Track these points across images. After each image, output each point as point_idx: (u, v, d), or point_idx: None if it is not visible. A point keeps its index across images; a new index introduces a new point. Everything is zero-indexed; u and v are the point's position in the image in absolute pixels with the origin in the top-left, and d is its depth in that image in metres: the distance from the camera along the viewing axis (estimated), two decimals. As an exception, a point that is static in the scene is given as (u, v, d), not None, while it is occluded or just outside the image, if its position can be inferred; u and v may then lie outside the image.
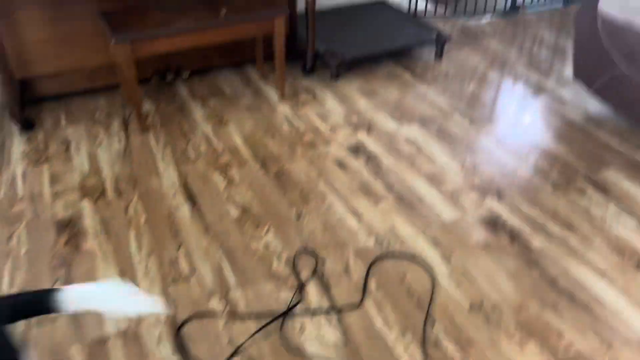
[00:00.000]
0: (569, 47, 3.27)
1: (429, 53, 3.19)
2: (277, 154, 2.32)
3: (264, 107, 2.66)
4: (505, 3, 3.72)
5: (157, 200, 2.05)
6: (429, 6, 3.82)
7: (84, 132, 2.47)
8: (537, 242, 1.86)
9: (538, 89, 2.81)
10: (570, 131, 2.47)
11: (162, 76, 2.80)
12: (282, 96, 2.73)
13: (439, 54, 3.13)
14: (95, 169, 2.23)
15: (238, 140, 2.41)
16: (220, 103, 2.69)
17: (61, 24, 2.51)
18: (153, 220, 1.96)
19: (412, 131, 2.47)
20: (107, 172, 2.20)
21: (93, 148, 2.36)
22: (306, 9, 2.74)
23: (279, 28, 2.51)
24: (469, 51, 3.22)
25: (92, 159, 2.29)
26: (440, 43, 3.08)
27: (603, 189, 2.11)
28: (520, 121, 2.54)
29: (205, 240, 1.87)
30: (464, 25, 3.57)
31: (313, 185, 2.14)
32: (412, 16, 3.31)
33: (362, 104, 2.69)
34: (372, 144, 2.39)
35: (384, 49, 2.95)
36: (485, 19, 3.66)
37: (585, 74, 2.56)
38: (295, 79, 2.93)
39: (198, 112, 2.62)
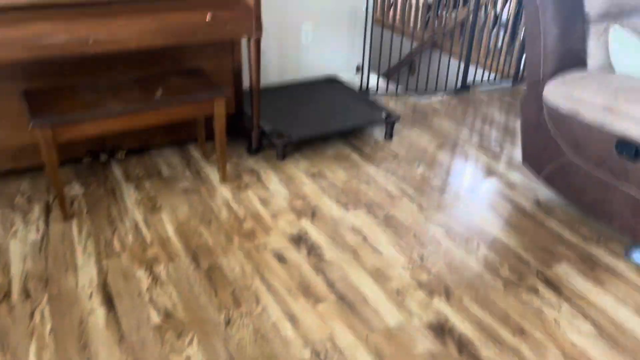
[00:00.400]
0: (519, 128, 3.26)
1: (379, 132, 3.12)
2: (212, 245, 2.14)
3: (203, 190, 2.50)
4: (456, 81, 3.73)
5: (69, 304, 1.83)
6: (380, 82, 3.81)
7: (-1, 218, 2.25)
8: (487, 351, 1.71)
9: (488, 173, 2.75)
10: (521, 220, 2.38)
11: (96, 156, 2.62)
12: (224, 178, 2.58)
13: (389, 134, 3.06)
14: (3, 264, 1.99)
15: (170, 229, 2.23)
16: (156, 185, 2.52)
17: (-19, 102, 2.33)
18: (60, 329, 1.73)
19: (358, 218, 2.34)
20: (17, 269, 1.97)
21: (5, 239, 2.13)
22: (251, 87, 2.64)
23: (219, 110, 2.39)
24: (420, 131, 3.16)
25: (2, 252, 2.06)
26: (390, 123, 3.01)
27: (556, 287, 1.99)
28: (470, 208, 2.45)
29: (117, 353, 1.65)
30: (415, 103, 3.55)
31: (248, 282, 1.95)
32: (362, 94, 3.26)
33: (308, 187, 2.56)
34: (315, 233, 2.24)
35: (333, 129, 2.86)
36: (437, 97, 3.65)
37: (533, 160, 2.51)
38: (240, 158, 2.80)
39: (131, 196, 2.43)
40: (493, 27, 4.57)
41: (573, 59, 2.33)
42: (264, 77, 3.34)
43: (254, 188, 2.54)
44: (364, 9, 3.44)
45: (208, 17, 2.36)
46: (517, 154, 2.94)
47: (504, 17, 4.50)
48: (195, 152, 2.83)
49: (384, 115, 3.02)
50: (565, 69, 2.32)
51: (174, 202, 2.41)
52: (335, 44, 3.48)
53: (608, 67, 2.32)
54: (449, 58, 3.87)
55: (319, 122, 2.91)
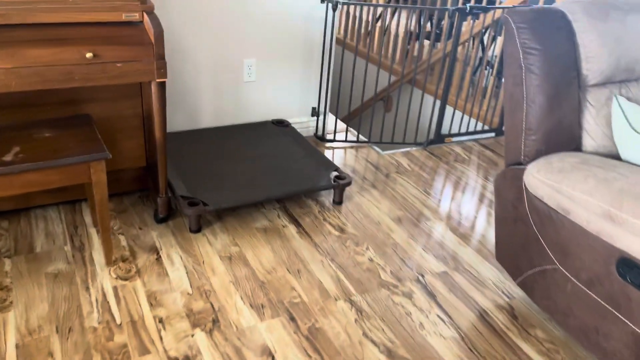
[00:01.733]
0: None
1: (326, 194, 2.55)
2: (59, 373, 1.55)
3: (79, 277, 1.91)
4: (429, 131, 3.18)
5: None
6: (341, 126, 3.24)
7: None
8: None
9: (454, 263, 2.18)
10: (490, 340, 1.81)
11: (-51, 220, 2.03)
12: (109, 262, 1.99)
13: (338, 199, 2.49)
14: None
15: (12, 340, 1.64)
16: (19, 267, 1.93)
17: None
18: None
19: (273, 331, 1.76)
20: None
21: None
22: (161, 137, 2.07)
23: (98, 177, 1.81)
24: (377, 196, 2.59)
25: None
26: (340, 187, 2.44)
27: None
28: (424, 317, 1.87)
29: None
30: (377, 157, 2.98)
31: None
32: (310, 147, 2.69)
33: (219, 277, 1.98)
34: (209, 355, 1.65)
35: (265, 196, 2.29)
36: (404, 150, 3.09)
37: (509, 260, 1.94)
38: (144, 226, 2.22)
39: (-22, 283, 1.84)
40: (478, 66, 4.04)
41: (564, 135, 1.78)
42: (193, 120, 2.77)
43: (147, 275, 1.96)
44: (321, 40, 2.89)
45: (89, 55, 1.79)
46: (492, 238, 2.38)
47: (490, 54, 3.96)
48: (87, 216, 2.25)
49: (332, 177, 2.45)
50: (553, 148, 1.77)
51: (34, 295, 1.82)
52: (285, 82, 2.92)
53: (610, 148, 1.77)
54: (423, 96, 3.30)
55: (250, 185, 2.33)
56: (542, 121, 1.73)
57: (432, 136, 3.17)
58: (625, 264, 1.48)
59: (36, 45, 1.74)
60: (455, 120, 3.32)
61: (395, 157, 3.00)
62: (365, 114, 3.96)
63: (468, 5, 2.80)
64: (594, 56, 1.74)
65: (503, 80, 2.01)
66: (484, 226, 2.44)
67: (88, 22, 1.88)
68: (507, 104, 1.86)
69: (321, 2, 2.78)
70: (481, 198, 2.67)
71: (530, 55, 1.70)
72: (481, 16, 3.57)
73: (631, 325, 1.51)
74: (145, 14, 1.94)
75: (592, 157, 1.69)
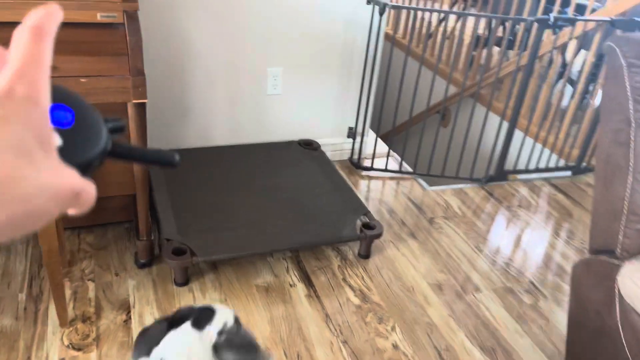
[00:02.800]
0: (570, 261, 2.13)
1: (351, 244, 2.07)
2: None
3: (23, 339, 1.53)
4: (490, 163, 2.62)
5: None
6: (379, 148, 2.73)
7: None
8: None
9: (509, 354, 1.65)
10: None
11: None
12: (64, 322, 1.60)
13: (364, 253, 2.00)
14: None
15: None
16: (-42, 319, 1.58)
17: None
18: None
19: None
20: None
21: None
22: (140, 176, 1.65)
23: (48, 242, 1.41)
24: (415, 249, 2.09)
25: None
26: (368, 238, 1.96)
27: None
28: None
29: None
30: (422, 195, 2.47)
31: None
32: (341, 173, 2.21)
33: (198, 352, 1.55)
34: None
35: (270, 247, 1.84)
36: (456, 186, 2.55)
37: (584, 382, 1.41)
38: (121, 272, 1.82)
39: None
40: (557, 82, 3.41)
41: (687, 225, 1.21)
42: (204, 136, 2.35)
43: (108, 345, 1.55)
44: (363, 48, 2.39)
45: (42, 67, 1.38)
46: (562, 323, 1.82)
47: (575, 69, 3.32)
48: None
49: (359, 224, 1.96)
50: (668, 244, 1.21)
51: (-40, 364, 1.45)
52: (317, 95, 2.45)
53: None
54: (486, 115, 2.70)
55: (256, 227, 1.89)
56: (656, 204, 1.18)
57: (492, 171, 2.61)
58: None
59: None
60: (523, 150, 2.73)
61: (445, 195, 2.47)
62: (413, 130, 3.42)
63: (552, 15, 2.22)
64: None
65: (600, 130, 1.45)
66: (551, 307, 1.89)
67: (52, 22, 1.47)
68: (602, 167, 1.31)
69: (367, 4, 2.28)
70: (548, 262, 2.11)
71: (647, 108, 1.15)
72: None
73: None
74: (127, 14, 1.51)
75: None
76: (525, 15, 3.37)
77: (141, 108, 1.53)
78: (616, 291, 1.24)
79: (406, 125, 2.68)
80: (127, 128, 1.63)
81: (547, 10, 3.51)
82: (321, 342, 1.64)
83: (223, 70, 2.24)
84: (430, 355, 1.63)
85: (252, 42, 2.21)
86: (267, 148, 2.39)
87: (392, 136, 3.27)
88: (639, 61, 1.18)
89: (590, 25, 2.60)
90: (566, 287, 1.98)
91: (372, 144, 2.61)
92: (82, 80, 1.43)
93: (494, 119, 3.04)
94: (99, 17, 1.51)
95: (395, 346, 1.65)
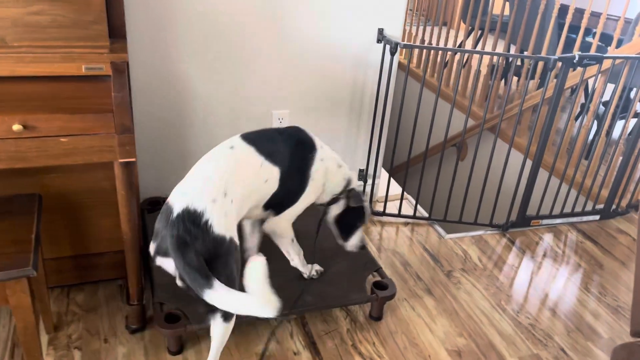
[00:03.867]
0: (603, 319, 1.94)
1: (362, 304, 1.90)
2: None
3: (0, 422, 1.39)
4: (511, 207, 2.44)
5: None
6: (393, 190, 2.57)
7: None
8: None
9: None
10: None
11: None
12: (42, 401, 1.46)
13: (376, 315, 1.83)
14: None
15: None
16: None
17: None
18: None
19: None
20: None
21: None
22: (125, 241, 1.52)
23: (18, 300, 1.27)
24: (432, 308, 1.91)
25: None
26: (380, 300, 1.79)
27: None
28: None
29: None
30: (438, 243, 2.30)
31: None
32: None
33: None
34: None
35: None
36: (475, 233, 2.38)
37: None
38: (111, 337, 1.67)
39: None
40: (580, 115, 3.23)
41: None
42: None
43: None
44: (374, 89, 2.25)
45: (16, 128, 1.26)
46: (596, 396, 1.63)
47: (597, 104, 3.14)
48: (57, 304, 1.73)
49: (370, 282, 1.80)
50: None
51: None
52: (326, 138, 2.29)
53: None
54: (509, 149, 2.52)
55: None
56: None
57: (514, 216, 2.43)
58: None
59: (-56, 111, 1.23)
60: (548, 191, 2.54)
61: (463, 244, 2.30)
62: (429, 166, 3.26)
63: (577, 54, 2.06)
64: None
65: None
66: (583, 377, 1.70)
67: (35, 75, 1.35)
68: (646, 241, 1.14)
69: (377, 42, 2.14)
70: (579, 323, 1.92)
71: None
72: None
73: None
74: (114, 64, 1.39)
75: None
76: (546, 46, 3.21)
77: (129, 167, 1.40)
78: (668, 390, 1.06)
79: (421, 158, 2.52)
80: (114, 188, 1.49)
81: (568, 40, 3.34)
82: None
83: (226, 114, 2.11)
84: None
85: (256, 84, 2.09)
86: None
87: (406, 171, 3.11)
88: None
89: (618, 60, 2.43)
90: (598, 352, 1.79)
91: (384, 186, 2.45)
92: (62, 140, 1.31)
93: (515, 156, 2.86)
94: (84, 69, 1.39)
95: None
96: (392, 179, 2.55)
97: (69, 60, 1.37)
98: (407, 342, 1.76)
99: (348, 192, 1.69)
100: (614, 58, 2.28)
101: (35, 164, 1.31)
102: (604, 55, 2.15)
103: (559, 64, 2.12)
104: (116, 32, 1.51)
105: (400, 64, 3.87)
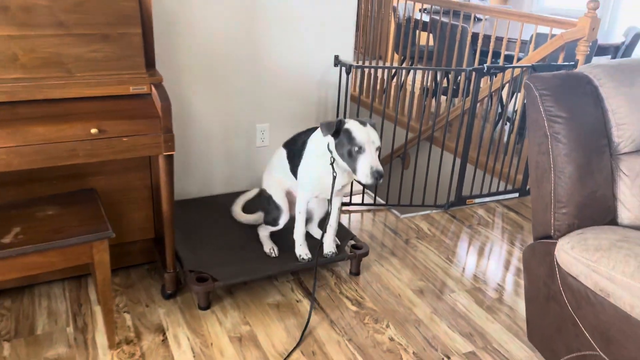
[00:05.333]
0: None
1: (343, 264, 2.43)
2: None
3: (80, 363, 1.80)
4: (449, 192, 3.06)
5: None
6: (355, 187, 3.14)
7: None
8: None
9: (482, 341, 2.01)
10: None
11: (-51, 301, 1.95)
12: (112, 345, 1.88)
13: (355, 271, 2.36)
14: None
15: None
16: (19, 350, 1.82)
17: None
18: None
19: None
20: None
21: None
22: (164, 217, 1.98)
23: (100, 257, 1.72)
24: (396, 265, 2.46)
25: None
26: (357, 258, 2.32)
27: None
28: (451, 409, 1.70)
29: None
30: (395, 222, 2.86)
31: None
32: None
33: (229, 358, 1.85)
34: None
35: (278, 270, 2.17)
36: (423, 212, 2.97)
37: (543, 342, 1.78)
38: (150, 303, 2.11)
39: (-28, 372, 1.73)
40: (497, 122, 3.94)
41: (597, 207, 1.65)
42: (204, 187, 2.70)
43: (152, 359, 1.83)
44: (335, 103, 2.83)
45: (94, 131, 1.73)
46: (522, 311, 2.21)
47: (510, 110, 3.88)
48: (92, 293, 2.15)
49: (349, 246, 2.33)
50: (586, 222, 1.64)
51: (29, 385, 1.70)
52: (299, 146, 2.85)
53: (649, 220, 1.63)
54: (442, 154, 3.19)
55: (262, 257, 2.22)
56: (573, 193, 1.61)
57: (452, 198, 3.05)
58: (678, 356, 1.32)
59: (40, 123, 1.69)
60: (476, 179, 3.20)
61: (415, 220, 2.88)
62: (395, 163, 3.89)
63: (485, 65, 2.73)
64: (625, 123, 1.63)
65: (528, 145, 1.89)
66: (513, 298, 2.28)
67: (95, 96, 1.83)
68: (533, 173, 1.74)
69: (334, 66, 2.74)
70: (507, 265, 2.52)
71: (556, 124, 1.60)
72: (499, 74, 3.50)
73: None
74: (153, 87, 1.89)
75: (632, 232, 1.55)
76: (464, 67, 3.93)
77: (170, 159, 1.89)
78: (555, 263, 1.64)
79: (387, 159, 3.11)
80: (157, 177, 1.98)
81: (481, 62, 4.10)
82: (330, 342, 1.96)
83: (218, 128, 2.62)
84: (420, 343, 1.98)
85: (242, 103, 2.62)
86: (259, 194, 2.75)
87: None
88: (548, 92, 1.64)
89: (517, 71, 3.15)
90: (521, 282, 2.37)
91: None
92: (124, 139, 1.79)
93: (449, 157, 3.52)
94: (132, 89, 1.88)
95: (391, 339, 1.99)
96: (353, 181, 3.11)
97: (121, 84, 1.86)
98: (381, 287, 2.29)
99: None
100: (513, 67, 2.97)
101: (105, 158, 1.78)
102: (505, 65, 2.83)
103: (474, 73, 2.78)
104: (149, 62, 2.01)
105: (353, 97, 4.51)
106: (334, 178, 2.01)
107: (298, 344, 1.92)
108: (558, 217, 1.64)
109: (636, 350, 1.42)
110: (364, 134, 1.86)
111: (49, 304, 2.07)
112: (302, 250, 2.20)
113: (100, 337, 1.91)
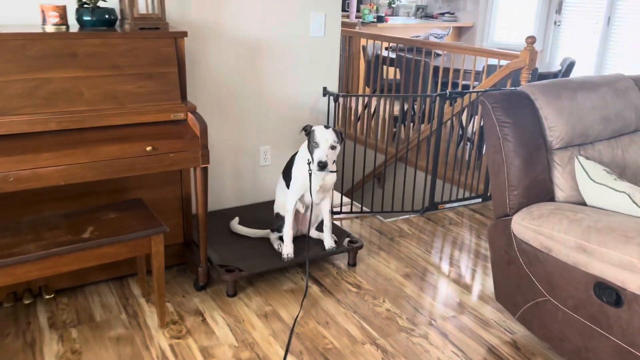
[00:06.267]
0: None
1: (342, 258, 2.89)
2: (137, 416, 1.81)
3: (138, 339, 2.19)
4: (423, 198, 3.58)
5: None
6: (345, 200, 3.64)
7: None
8: None
9: (460, 308, 2.50)
10: (498, 368, 2.11)
11: (19, 298, 2.32)
12: (163, 324, 2.28)
13: (352, 262, 2.83)
14: None
15: (91, 393, 1.90)
16: (85, 334, 2.21)
17: None
18: None
19: (313, 372, 2.04)
20: None
21: None
22: (198, 218, 2.43)
23: (157, 248, 2.15)
24: (385, 257, 2.94)
25: None
26: (353, 250, 2.79)
27: None
28: (440, 352, 2.17)
29: None
30: (380, 225, 3.36)
31: None
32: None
33: (259, 331, 2.27)
34: (262, 395, 1.92)
35: (288, 263, 2.62)
36: (403, 217, 3.48)
37: (507, 299, 2.28)
38: (185, 295, 2.52)
39: (52, 350, 2.11)
40: (459, 142, 4.54)
41: (539, 189, 2.18)
42: (218, 201, 3.14)
43: (197, 334, 2.24)
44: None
45: (149, 149, 2.19)
46: (491, 283, 2.71)
47: (470, 132, 4.48)
48: (135, 289, 2.54)
49: (346, 242, 2.80)
50: (532, 200, 2.17)
51: (101, 355, 2.09)
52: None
53: (577, 197, 2.18)
54: (415, 172, 3.75)
55: (274, 253, 2.67)
56: (521, 179, 2.14)
57: (427, 204, 3.57)
58: (600, 287, 1.83)
59: (106, 144, 2.13)
60: (445, 190, 3.75)
61: (397, 223, 3.38)
62: (367, 186, 4.41)
63: (447, 91, 3.31)
64: (554, 126, 2.18)
65: (485, 149, 2.42)
66: (482, 277, 2.78)
67: (144, 122, 2.29)
68: (492, 168, 2.27)
69: (323, 96, 3.27)
70: (477, 254, 3.03)
71: (505, 128, 2.14)
72: (459, 100, 4.11)
73: (612, 338, 1.84)
74: (189, 113, 2.36)
75: (564, 204, 2.09)
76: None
77: (205, 170, 2.35)
78: (512, 234, 2.16)
79: (360, 184, 3.62)
80: (194, 186, 2.43)
81: (443, 89, 4.71)
82: (339, 314, 2.41)
83: (228, 151, 3.09)
84: (411, 311, 2.45)
85: (248, 129, 3.10)
86: (263, 207, 3.20)
87: (352, 193, 4.19)
88: (498, 105, 2.18)
89: (474, 95, 3.74)
90: (489, 265, 2.88)
91: (338, 197, 3.50)
92: (171, 155, 2.25)
93: (421, 174, 4.07)
94: (172, 117, 2.35)
95: (388, 310, 2.46)
96: (343, 195, 3.61)
97: (163, 112, 2.33)
98: (375, 274, 2.76)
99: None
100: (470, 92, 3.57)
101: (155, 171, 2.23)
102: (464, 91, 3.41)
103: (438, 98, 3.35)
104: (183, 95, 2.48)
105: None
106: (310, 174, 2.51)
107: (299, 312, 2.37)
108: (511, 198, 2.17)
109: (572, 289, 1.93)
110: (322, 134, 2.43)
111: (100, 299, 2.46)
112: (287, 250, 2.62)
113: (150, 321, 2.31)
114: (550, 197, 2.20)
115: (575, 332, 1.97)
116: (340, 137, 2.47)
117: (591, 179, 2.08)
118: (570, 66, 4.63)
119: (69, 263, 1.98)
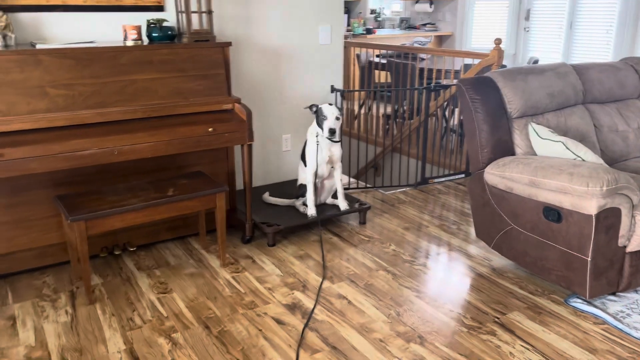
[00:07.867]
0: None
1: (354, 219, 3.61)
2: (219, 315, 2.50)
3: (207, 274, 2.89)
4: (416, 176, 4.32)
5: (103, 367, 2.14)
6: (352, 181, 4.37)
7: (30, 307, 2.57)
8: (457, 379, 2.08)
9: (449, 247, 3.22)
10: (479, 281, 2.83)
11: (110, 251, 3.01)
12: (224, 263, 2.98)
13: (362, 220, 3.55)
14: (41, 341, 2.31)
15: (182, 305, 2.59)
16: (165, 273, 2.90)
17: (18, 209, 2.75)
18: (100, 385, 2.03)
19: (342, 288, 2.75)
20: (53, 344, 2.29)
21: (39, 322, 2.45)
22: (244, 185, 3.14)
23: (220, 203, 2.86)
24: (388, 217, 3.67)
25: (38, 332, 2.37)
26: (363, 210, 3.51)
27: (510, 329, 2.41)
28: (436, 275, 2.89)
29: (151, 401, 1.95)
30: (382, 196, 4.09)
31: (254, 341, 2.31)
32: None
33: (297, 266, 2.98)
34: (307, 301, 2.62)
35: (314, 219, 3.33)
36: (400, 189, 4.21)
37: (484, 233, 3.01)
38: (235, 247, 3.22)
39: (144, 282, 2.80)
40: (444, 132, 5.30)
41: (503, 148, 2.93)
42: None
43: (250, 270, 2.94)
44: (333, 120, 4.08)
45: (210, 129, 2.91)
46: (472, 231, 3.44)
47: (452, 123, 5.24)
48: (195, 245, 3.24)
49: (356, 205, 3.53)
50: (498, 156, 2.91)
51: (183, 284, 2.78)
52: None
53: (531, 152, 2.92)
54: (408, 159, 4.51)
55: (300, 215, 3.38)
56: (489, 140, 2.89)
57: (419, 179, 4.31)
58: (546, 210, 2.57)
59: (180, 126, 2.84)
60: (434, 172, 4.49)
61: (395, 194, 4.11)
62: (367, 175, 5.16)
63: (432, 85, 4.07)
64: (512, 101, 2.94)
65: (462, 121, 3.17)
66: (466, 227, 3.51)
67: (203, 111, 3.02)
68: (467, 134, 3.02)
69: (331, 92, 4.01)
70: (462, 213, 3.77)
71: (475, 103, 2.89)
72: (442, 93, 4.87)
73: (558, 246, 2.57)
74: (236, 104, 3.09)
75: (520, 156, 2.84)
76: (415, 95, 5.30)
77: (250, 147, 3.07)
78: (485, 182, 2.90)
79: (364, 170, 4.35)
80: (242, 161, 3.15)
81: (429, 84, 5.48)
82: (357, 255, 3.13)
83: (257, 139, 3.81)
84: (412, 250, 3.17)
85: (272, 120, 3.83)
86: (286, 185, 3.92)
87: (358, 176, 4.93)
88: (470, 86, 2.93)
89: (454, 89, 4.50)
90: (471, 220, 3.62)
91: (346, 179, 4.24)
92: (226, 135, 2.97)
93: (413, 161, 4.82)
94: (223, 106, 3.08)
95: (394, 250, 3.18)
96: (350, 177, 4.34)
97: (217, 103, 3.05)
98: (381, 228, 3.49)
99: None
100: (451, 85, 4.31)
101: (215, 146, 2.94)
102: (446, 84, 4.16)
103: (424, 91, 4.10)
104: (229, 90, 3.21)
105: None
106: (317, 145, 3.25)
107: (323, 257, 3.09)
108: (482, 155, 2.91)
109: (528, 215, 2.67)
110: (328, 109, 3.17)
111: (170, 251, 3.16)
112: (311, 211, 3.34)
113: (213, 263, 3.01)
114: (511, 153, 2.94)
115: (532, 247, 2.70)
116: (340, 111, 3.22)
117: (539, 136, 2.83)
118: (535, 63, 5.43)
119: (162, 212, 2.68)
